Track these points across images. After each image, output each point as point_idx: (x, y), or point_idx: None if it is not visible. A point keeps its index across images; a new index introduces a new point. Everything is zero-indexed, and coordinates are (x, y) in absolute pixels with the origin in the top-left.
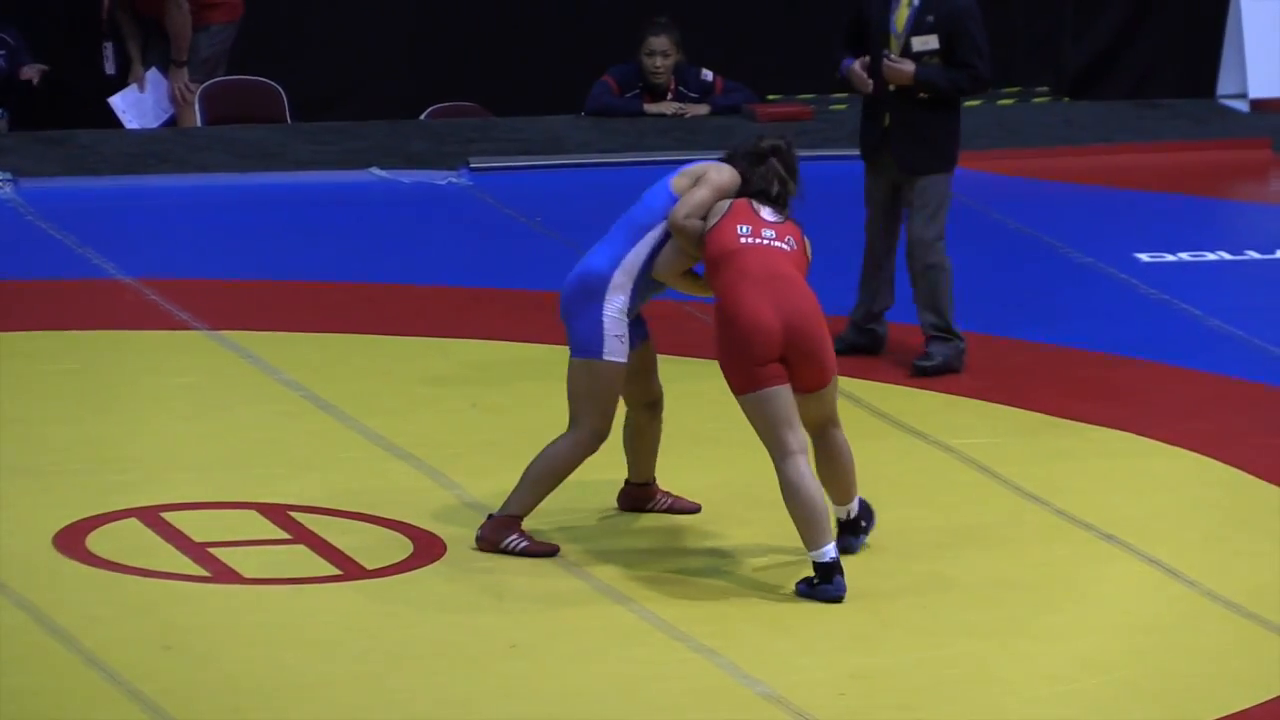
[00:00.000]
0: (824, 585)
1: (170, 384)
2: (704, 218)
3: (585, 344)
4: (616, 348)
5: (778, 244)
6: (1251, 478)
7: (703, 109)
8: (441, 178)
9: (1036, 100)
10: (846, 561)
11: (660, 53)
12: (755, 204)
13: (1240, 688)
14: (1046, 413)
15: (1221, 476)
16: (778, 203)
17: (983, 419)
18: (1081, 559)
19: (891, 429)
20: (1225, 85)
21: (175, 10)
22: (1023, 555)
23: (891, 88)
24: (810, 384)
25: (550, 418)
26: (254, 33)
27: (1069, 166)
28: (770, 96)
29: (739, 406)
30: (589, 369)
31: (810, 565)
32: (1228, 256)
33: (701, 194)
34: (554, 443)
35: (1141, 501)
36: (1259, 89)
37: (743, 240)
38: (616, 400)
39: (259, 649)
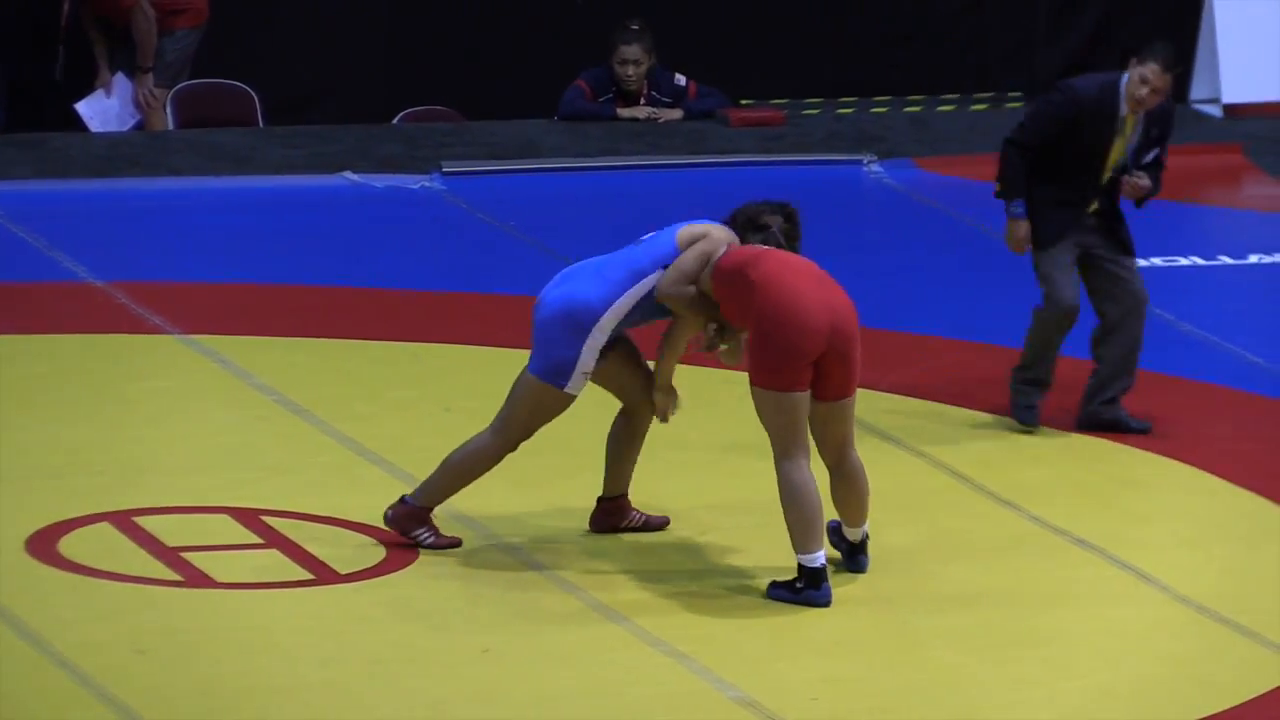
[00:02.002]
0: (810, 591)
1: (142, 388)
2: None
3: (554, 370)
4: (579, 383)
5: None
6: (1224, 482)
7: (676, 114)
8: (414, 182)
9: (1010, 104)
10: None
11: (632, 60)
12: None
13: (1213, 692)
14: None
15: (1194, 481)
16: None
17: (955, 425)
18: (1054, 564)
19: (864, 434)
20: (1198, 90)
21: (140, 16)
22: (995, 561)
23: (1101, 184)
24: (838, 390)
25: None
26: (226, 36)
27: None
28: (743, 101)
29: (751, 395)
30: (544, 392)
31: (789, 570)
32: (1200, 262)
33: (689, 262)
34: (477, 440)
35: (1114, 507)
36: (1232, 94)
37: (761, 248)
38: (544, 424)
39: (231, 653)
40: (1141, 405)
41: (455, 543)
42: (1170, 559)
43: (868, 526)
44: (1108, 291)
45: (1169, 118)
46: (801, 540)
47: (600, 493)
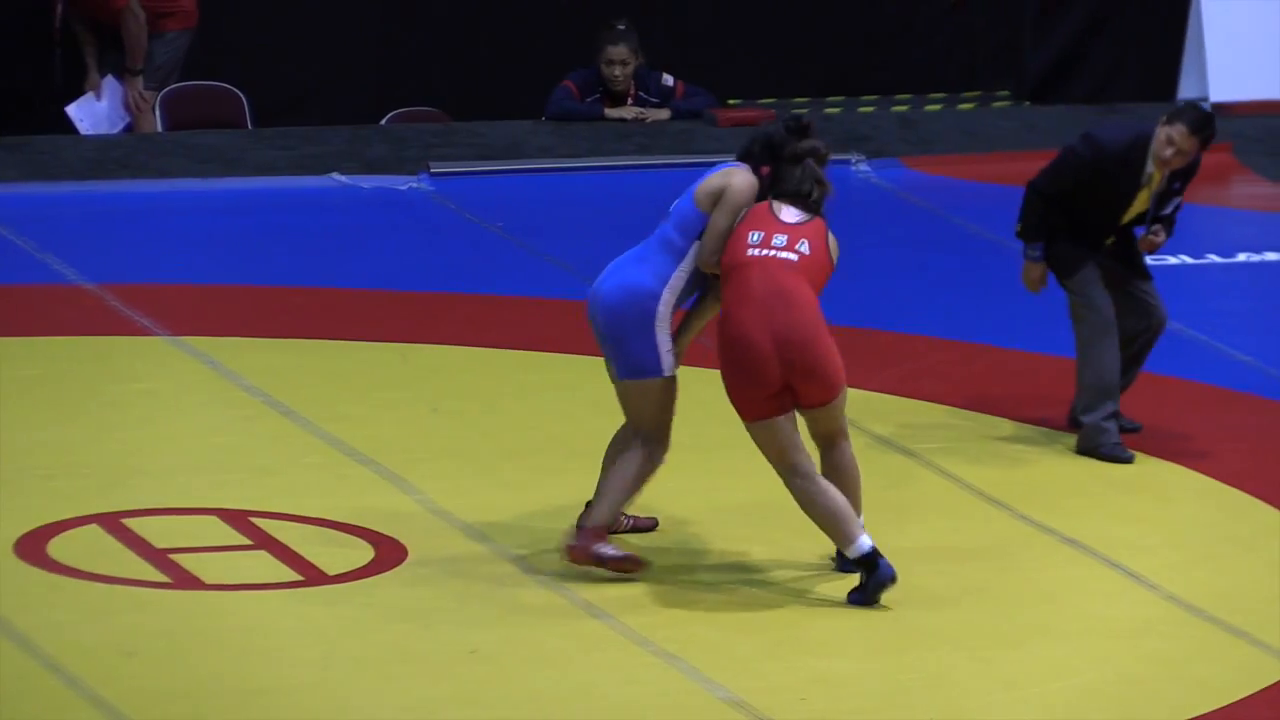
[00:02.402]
0: (872, 578)
1: (131, 390)
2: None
3: (644, 365)
4: (670, 362)
5: (785, 254)
6: (1215, 482)
7: (664, 114)
8: (402, 183)
9: (997, 104)
10: (809, 569)
11: (619, 61)
12: (776, 205)
13: (1202, 692)
14: (1007, 416)
15: (1184, 481)
16: (811, 205)
17: (943, 424)
18: (1044, 564)
19: (852, 435)
20: (1186, 89)
21: (131, 19)
22: (984, 560)
23: (1118, 226)
24: (815, 399)
25: (511, 421)
26: (215, 38)
27: (1030, 170)
28: (731, 101)
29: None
30: (650, 388)
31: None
32: (1189, 260)
33: (719, 224)
34: (630, 458)
35: (1103, 506)
36: (1220, 93)
37: (750, 252)
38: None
39: (220, 655)
40: (1131, 405)
41: (641, 563)
42: (1159, 558)
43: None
44: (1130, 309)
45: (1192, 169)
46: (839, 537)
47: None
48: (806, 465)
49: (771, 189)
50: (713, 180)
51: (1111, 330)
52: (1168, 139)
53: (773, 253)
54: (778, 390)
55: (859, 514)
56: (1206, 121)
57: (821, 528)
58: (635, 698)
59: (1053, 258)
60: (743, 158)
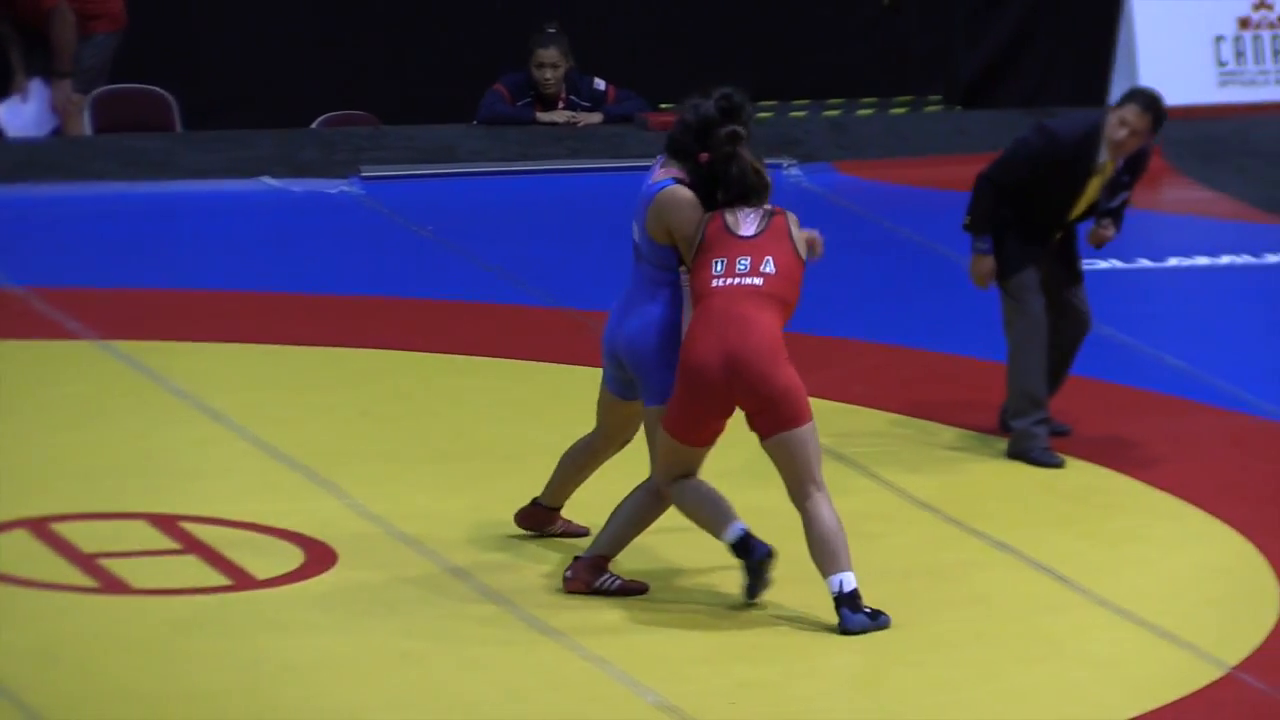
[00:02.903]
0: (750, 562)
1: (60, 393)
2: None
3: (669, 390)
4: None
5: (749, 280)
6: (1144, 485)
7: (595, 118)
8: (333, 186)
9: (929, 109)
10: (738, 576)
11: (550, 64)
12: (730, 218)
13: (1131, 694)
14: (936, 420)
15: (1114, 485)
16: (761, 197)
17: (875, 427)
18: (973, 567)
19: None
20: (1117, 93)
21: (60, 20)
22: (913, 563)
23: (1067, 221)
24: (769, 427)
25: (442, 426)
26: (144, 41)
27: (962, 175)
28: (662, 105)
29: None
30: None
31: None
32: (1119, 265)
33: (685, 249)
34: (646, 488)
35: (1032, 509)
36: None
37: (714, 284)
38: None
39: (148, 659)
40: (1061, 408)
41: (642, 588)
42: (1089, 562)
43: (844, 580)
44: (1060, 313)
45: (1142, 161)
46: (713, 529)
47: (538, 495)
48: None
49: (721, 194)
50: (651, 213)
51: (1042, 336)
52: (1120, 120)
53: (736, 280)
54: (722, 414)
55: (834, 568)
56: (1157, 101)
57: (697, 524)
58: (565, 702)
59: (1001, 259)
60: (674, 152)
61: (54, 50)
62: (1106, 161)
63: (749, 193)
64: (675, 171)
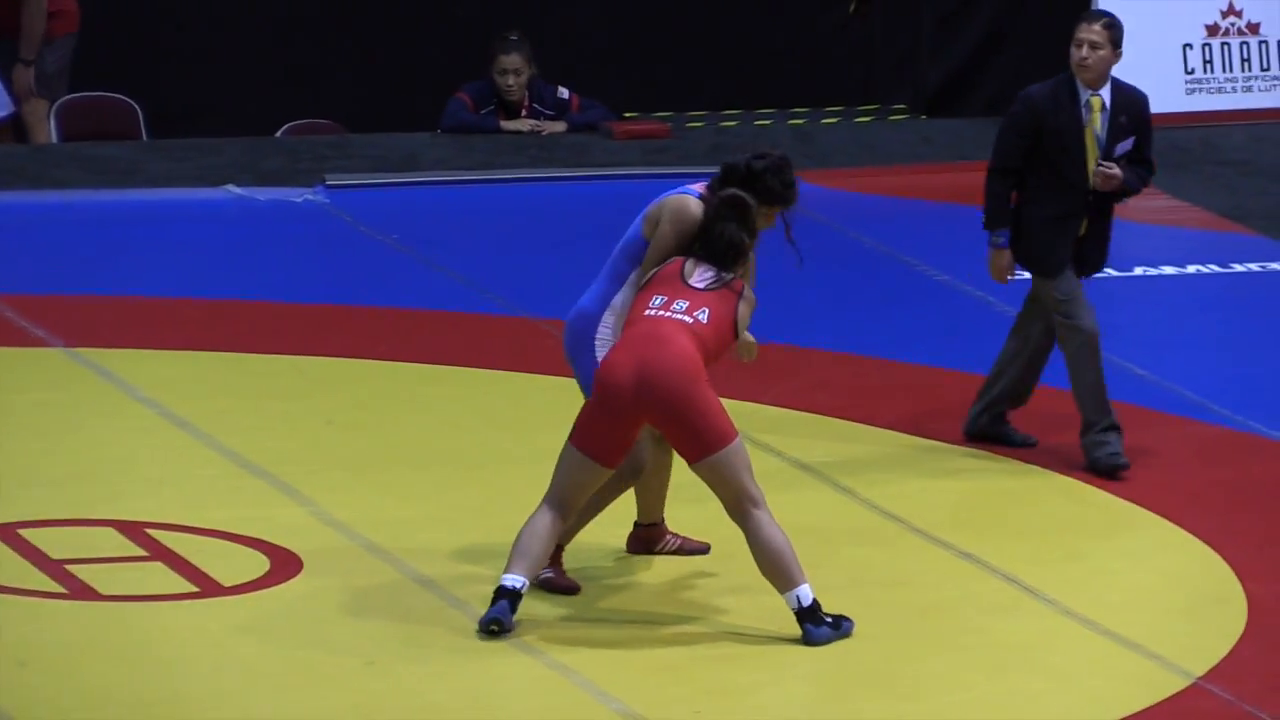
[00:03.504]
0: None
1: (26, 400)
2: None
3: (587, 385)
4: None
5: (680, 316)
6: (1109, 495)
7: (559, 126)
8: (298, 195)
9: (894, 118)
10: (703, 583)
11: (512, 70)
12: (689, 267)
13: (1096, 705)
14: (902, 430)
15: (1079, 494)
16: (726, 263)
17: (840, 437)
18: (938, 577)
19: (747, 446)
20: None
21: (34, 6)
22: (877, 571)
23: (1090, 196)
24: (694, 451)
25: (406, 434)
26: (110, 48)
27: (926, 184)
28: (627, 114)
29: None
30: None
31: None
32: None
33: (660, 244)
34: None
35: (998, 519)
36: None
37: (646, 312)
38: None
39: (116, 666)
40: (1025, 419)
41: (574, 588)
42: (1053, 572)
43: (801, 595)
44: (1041, 314)
45: (1136, 105)
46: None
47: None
48: (559, 504)
49: (695, 244)
50: (656, 207)
51: (1095, 346)
52: (1076, 42)
53: (668, 314)
54: (622, 431)
55: (784, 585)
56: (1106, 13)
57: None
58: (530, 710)
59: (1036, 255)
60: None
61: (23, 36)
62: (1091, 98)
63: (716, 256)
64: (700, 188)
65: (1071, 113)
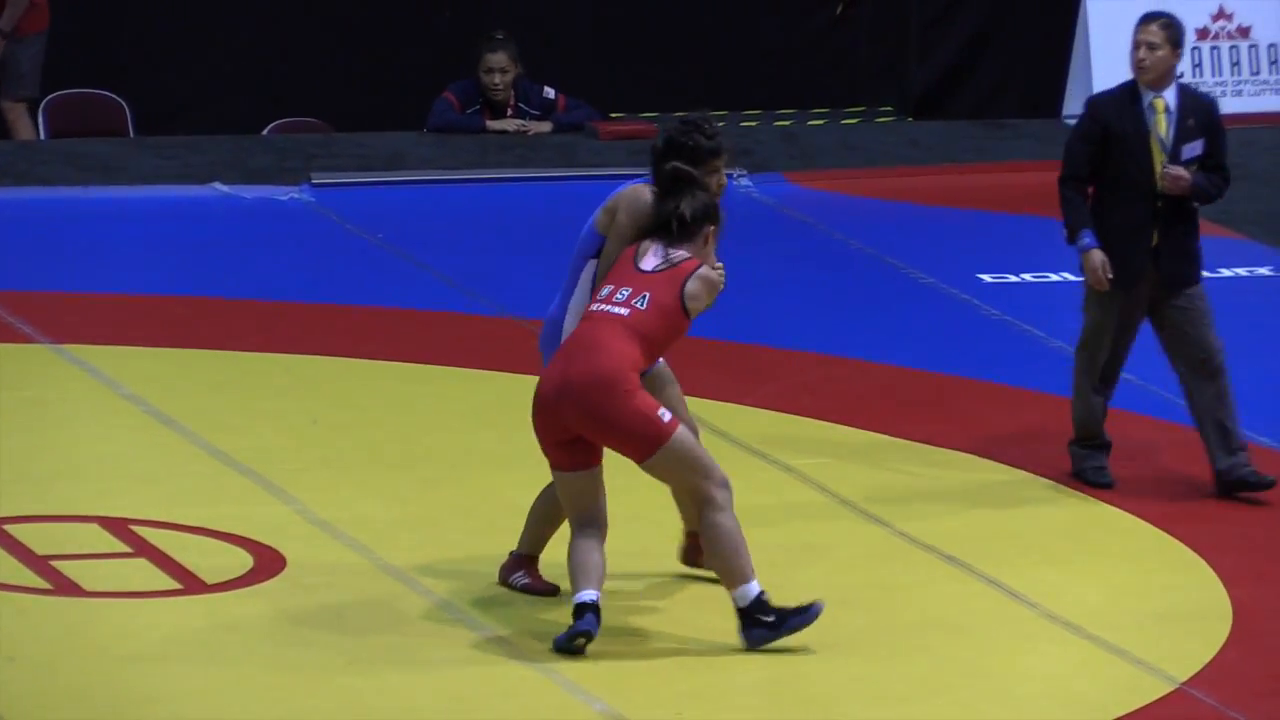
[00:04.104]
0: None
1: (12, 397)
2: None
3: None
4: None
5: (616, 310)
6: (1093, 500)
7: (545, 126)
8: (284, 193)
9: (880, 120)
10: (686, 586)
11: (499, 69)
12: (643, 248)
13: (1079, 710)
14: (887, 433)
15: (1063, 498)
16: (675, 237)
17: (824, 439)
18: (921, 580)
19: (731, 449)
20: (1071, 105)
21: None
22: (861, 575)
23: (1159, 203)
24: (635, 454)
25: (390, 433)
26: (98, 46)
27: (912, 186)
28: (613, 115)
29: None
30: None
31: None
32: (1071, 278)
33: (611, 249)
34: None
35: (982, 523)
36: None
37: (592, 307)
38: None
39: (100, 662)
40: (1012, 422)
41: (552, 590)
42: (1037, 575)
43: (739, 595)
44: (1179, 340)
45: (1205, 108)
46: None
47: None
48: (576, 521)
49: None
50: (611, 200)
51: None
52: (1134, 44)
53: (607, 308)
54: (563, 440)
55: (731, 583)
56: (1165, 14)
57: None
58: (512, 710)
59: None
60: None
61: (5, 11)
62: (1154, 100)
63: (664, 232)
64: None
65: (1134, 116)
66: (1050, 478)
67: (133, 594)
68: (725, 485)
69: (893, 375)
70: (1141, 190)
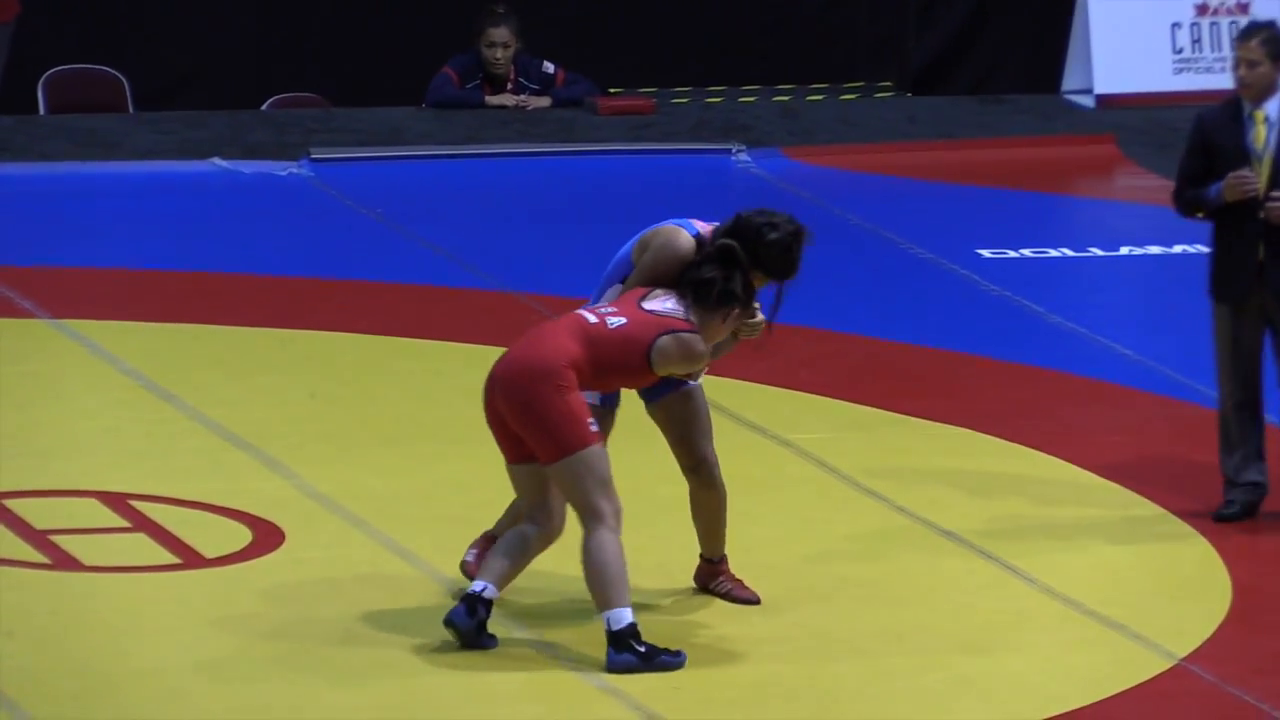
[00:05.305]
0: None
1: (11, 371)
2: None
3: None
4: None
5: (589, 316)
6: (1091, 474)
7: (544, 101)
8: (282, 168)
9: (879, 95)
10: (684, 563)
11: (500, 44)
12: (660, 294)
13: (1077, 685)
14: (885, 408)
15: (1061, 474)
16: (700, 300)
17: (822, 414)
18: (919, 555)
19: (730, 423)
20: (1070, 81)
21: None
22: (859, 551)
23: (1263, 214)
24: (538, 454)
25: (388, 407)
26: (97, 22)
27: (911, 162)
28: (612, 90)
29: None
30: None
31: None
32: (1070, 253)
33: (632, 280)
34: None
35: (980, 498)
36: (1105, 85)
37: (580, 311)
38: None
39: (99, 636)
40: (1011, 397)
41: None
42: (1036, 551)
43: (612, 619)
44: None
45: None
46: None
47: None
48: (529, 518)
49: (688, 272)
50: (648, 234)
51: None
52: (1235, 61)
53: (582, 311)
54: (502, 428)
55: (599, 604)
56: (1267, 26)
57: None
58: (512, 684)
59: (1214, 286)
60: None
61: None
62: (1254, 112)
63: (686, 289)
64: (705, 229)
65: (1235, 129)
66: (1049, 452)
67: (132, 568)
68: (618, 514)
69: (890, 350)
70: (1245, 204)
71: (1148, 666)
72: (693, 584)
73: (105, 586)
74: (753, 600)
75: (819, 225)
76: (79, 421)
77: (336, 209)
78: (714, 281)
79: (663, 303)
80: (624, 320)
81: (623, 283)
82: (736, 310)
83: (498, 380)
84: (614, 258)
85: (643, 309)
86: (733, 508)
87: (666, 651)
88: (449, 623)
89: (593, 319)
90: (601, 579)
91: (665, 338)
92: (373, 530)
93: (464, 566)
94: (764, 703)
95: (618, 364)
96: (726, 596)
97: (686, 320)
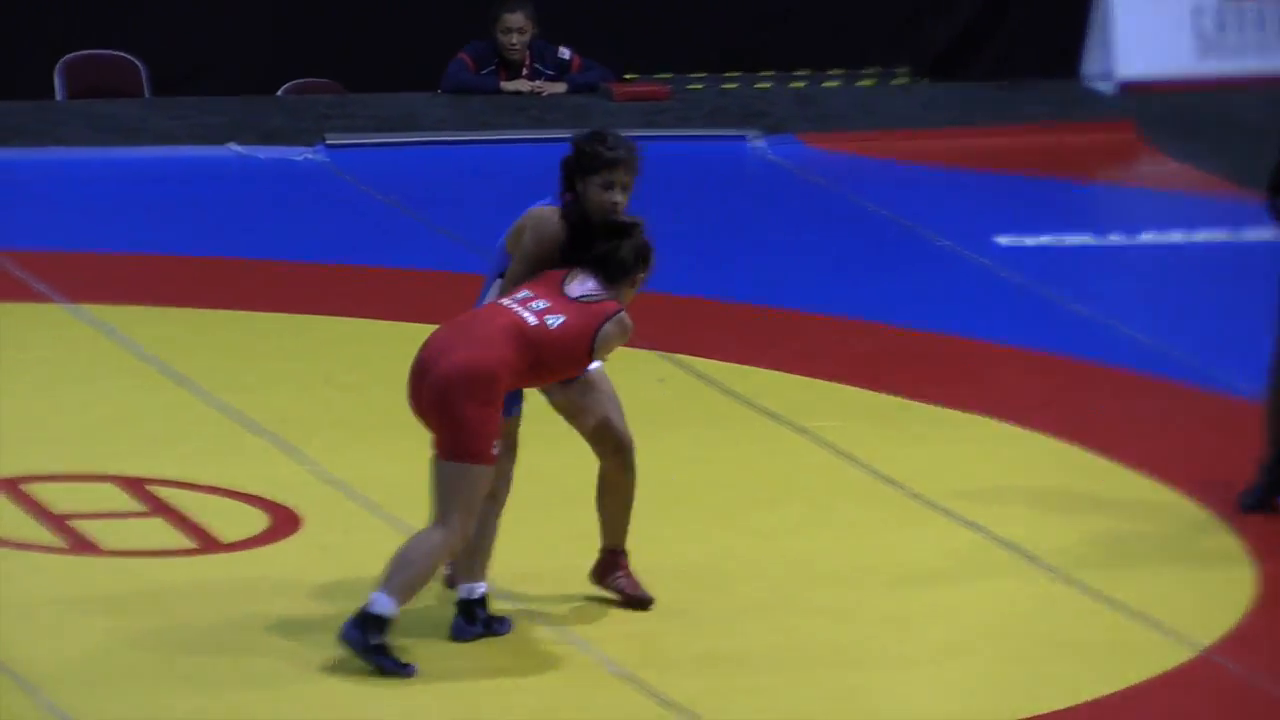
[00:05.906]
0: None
1: (29, 357)
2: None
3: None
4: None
5: (526, 314)
6: (1111, 463)
7: (560, 87)
8: (298, 154)
9: (896, 81)
10: (699, 549)
11: (516, 29)
12: (571, 275)
13: (1099, 675)
14: (903, 396)
15: (1081, 462)
16: (607, 277)
17: (839, 402)
18: (939, 543)
19: (747, 410)
20: (1091, 66)
21: None
22: (878, 539)
23: None
24: (437, 445)
25: (404, 395)
26: (114, 7)
27: (928, 148)
28: (627, 75)
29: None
30: None
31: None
32: (1090, 240)
33: (516, 270)
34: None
35: (1000, 487)
36: (1126, 70)
37: (505, 301)
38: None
39: (116, 620)
40: (1030, 386)
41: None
42: (1057, 540)
43: (377, 601)
44: None
45: None
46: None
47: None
48: (449, 519)
49: (577, 253)
50: (518, 222)
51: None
52: None
53: (518, 309)
54: (419, 414)
55: (384, 589)
56: None
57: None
58: (527, 668)
59: None
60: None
61: None
62: None
63: (603, 270)
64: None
65: None
66: (1069, 440)
67: (149, 553)
68: (466, 540)
69: (907, 338)
70: None
71: (1172, 655)
72: (588, 579)
73: (122, 571)
74: (646, 599)
75: (836, 212)
76: (96, 406)
77: (352, 194)
78: (620, 255)
79: (583, 285)
80: (563, 317)
81: (501, 276)
82: (643, 275)
83: (431, 376)
84: (494, 253)
85: (571, 298)
86: (748, 496)
87: (396, 660)
88: (454, 640)
89: (531, 320)
90: (406, 568)
91: (606, 326)
92: (389, 515)
93: (446, 581)
94: (778, 686)
95: (559, 360)
96: (620, 593)
97: (607, 298)
